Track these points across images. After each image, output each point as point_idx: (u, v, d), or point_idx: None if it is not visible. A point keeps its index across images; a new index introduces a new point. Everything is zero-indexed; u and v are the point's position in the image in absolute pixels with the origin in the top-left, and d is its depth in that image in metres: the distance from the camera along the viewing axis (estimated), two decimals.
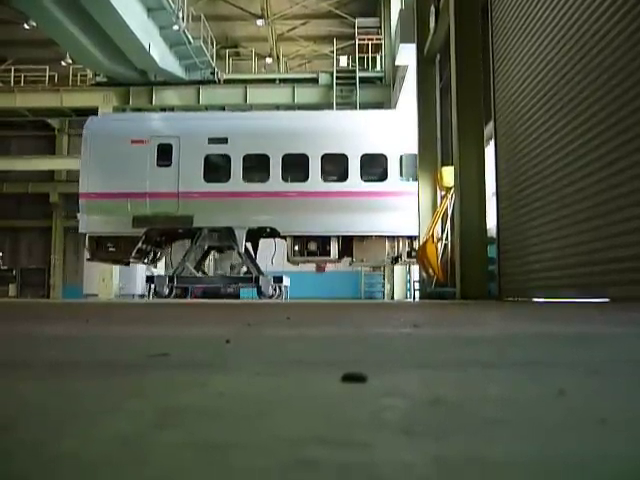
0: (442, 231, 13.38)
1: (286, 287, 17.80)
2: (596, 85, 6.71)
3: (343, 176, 16.71)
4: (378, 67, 26.59)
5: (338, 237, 16.69)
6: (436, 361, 1.69)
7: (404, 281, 23.76)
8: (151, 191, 16.67)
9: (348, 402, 1.04)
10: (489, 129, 11.00)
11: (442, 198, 13.47)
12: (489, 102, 10.88)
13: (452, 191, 12.08)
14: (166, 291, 16.94)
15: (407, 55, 17.74)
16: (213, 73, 25.60)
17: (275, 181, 16.71)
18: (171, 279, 17.07)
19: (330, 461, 0.68)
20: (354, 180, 16.49)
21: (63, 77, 28.08)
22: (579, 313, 4.89)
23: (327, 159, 16.71)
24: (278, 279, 17.20)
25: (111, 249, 17.11)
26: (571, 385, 1.18)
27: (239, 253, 17.09)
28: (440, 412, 0.96)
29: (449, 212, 12.82)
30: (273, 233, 16.97)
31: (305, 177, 16.67)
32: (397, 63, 20.30)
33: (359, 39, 26.42)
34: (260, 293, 16.98)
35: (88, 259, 18.20)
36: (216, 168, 17.07)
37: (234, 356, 1.84)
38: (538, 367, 1.52)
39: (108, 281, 24.86)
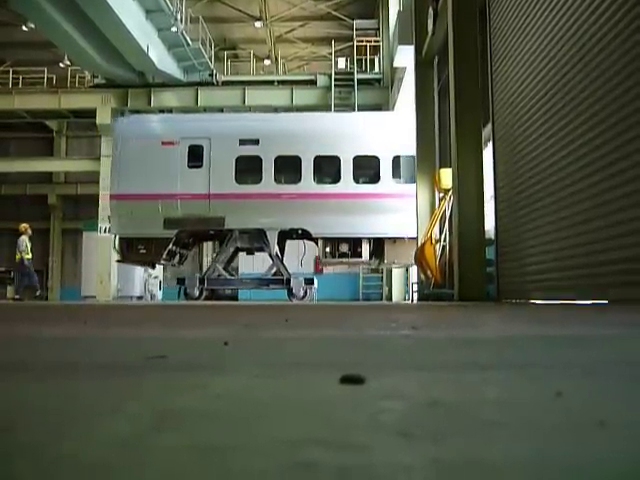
0: (440, 233, 13.39)
1: (315, 289, 17.78)
2: (595, 86, 6.71)
3: (375, 178, 16.71)
4: (376, 69, 26.60)
5: (370, 239, 16.67)
6: (434, 363, 1.69)
7: (402, 283, 23.75)
8: (182, 193, 16.60)
9: (346, 404, 1.04)
10: (487, 131, 11.00)
11: (440, 200, 13.48)
12: (487, 104, 10.89)
13: (450, 193, 12.08)
14: (197, 293, 16.89)
15: (405, 57, 17.75)
16: (211, 75, 25.58)
17: (307, 183, 16.69)
18: (202, 281, 17.00)
19: (328, 463, 0.68)
20: (386, 182, 16.47)
21: (61, 79, 28.07)
22: (577, 315, 4.89)
23: (359, 161, 16.69)
24: (309, 281, 17.21)
25: (142, 251, 17.00)
26: (569, 387, 1.18)
27: (270, 255, 17.04)
28: (438, 414, 0.96)
29: (447, 214, 12.82)
30: (304, 235, 16.97)
31: (337, 179, 16.66)
32: (395, 65, 20.30)
33: (357, 41, 26.41)
34: (291, 294, 16.93)
35: (118, 260, 18.11)
36: (247, 169, 16.99)
37: (232, 358, 1.84)
38: (536, 369, 1.52)
39: (106, 283, 24.83)
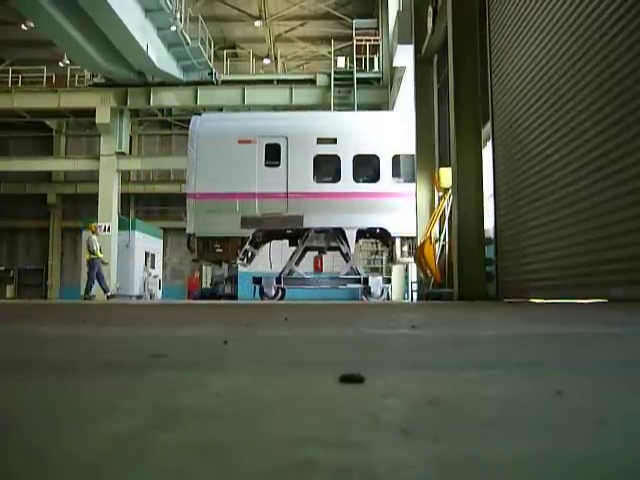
0: (440, 232, 13.39)
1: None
2: (595, 84, 6.71)
3: None
4: (376, 68, 26.60)
5: None
6: (434, 362, 1.69)
7: (402, 282, 23.73)
8: (260, 191, 16.55)
9: (346, 403, 1.04)
10: (487, 130, 11.00)
11: (440, 199, 13.48)
12: (487, 103, 10.89)
13: (450, 192, 12.08)
14: (273, 292, 16.87)
15: (405, 56, 17.74)
16: (211, 74, 25.58)
17: (385, 182, 16.68)
18: (278, 280, 16.98)
19: (329, 462, 0.68)
20: None
21: (61, 78, 28.06)
22: (577, 314, 4.89)
23: None
24: (387, 280, 17.14)
25: (218, 250, 16.91)
26: (569, 385, 1.18)
27: (346, 254, 16.96)
28: (438, 413, 0.96)
29: (447, 213, 12.82)
30: (381, 234, 16.98)
31: (414, 178, 16.69)
32: (395, 64, 20.30)
33: (357, 40, 26.41)
34: (368, 294, 16.85)
35: (194, 260, 18.01)
36: (326, 168, 16.97)
37: (232, 357, 1.84)
38: (536, 368, 1.52)
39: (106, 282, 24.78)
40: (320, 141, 16.82)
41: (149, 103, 25.76)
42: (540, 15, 8.41)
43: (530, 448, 0.74)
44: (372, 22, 27.93)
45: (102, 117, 25.67)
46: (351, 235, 16.62)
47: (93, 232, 19.01)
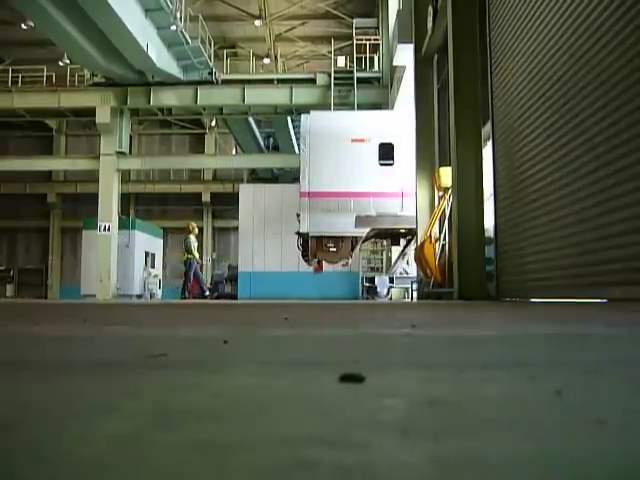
0: (440, 232, 13.39)
1: None
2: (594, 85, 6.71)
3: None
4: (376, 67, 26.58)
5: None
6: (434, 362, 1.69)
7: None
8: (374, 191, 16.54)
9: (346, 402, 1.04)
10: (487, 129, 11.00)
11: (440, 199, 13.48)
12: (487, 102, 10.89)
13: (450, 192, 12.08)
14: (385, 291, 16.80)
15: (405, 55, 17.75)
16: (211, 73, 25.56)
17: None
18: (391, 280, 16.90)
19: (328, 462, 0.68)
20: None
21: (61, 77, 28.03)
22: (577, 313, 4.89)
23: None
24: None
25: (332, 249, 16.89)
26: (568, 386, 1.18)
27: None
28: (438, 412, 0.96)
29: (447, 213, 12.82)
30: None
31: None
32: (395, 63, 20.29)
33: (357, 39, 26.38)
34: None
35: (306, 260, 17.88)
36: None
37: (232, 356, 1.84)
38: (536, 368, 1.52)
39: (106, 282, 24.81)
40: None
41: (149, 103, 25.74)
42: (541, 14, 8.40)
43: (530, 448, 0.74)
44: (372, 21, 27.91)
45: (102, 117, 25.65)
46: None
47: (190, 232, 19.07)
